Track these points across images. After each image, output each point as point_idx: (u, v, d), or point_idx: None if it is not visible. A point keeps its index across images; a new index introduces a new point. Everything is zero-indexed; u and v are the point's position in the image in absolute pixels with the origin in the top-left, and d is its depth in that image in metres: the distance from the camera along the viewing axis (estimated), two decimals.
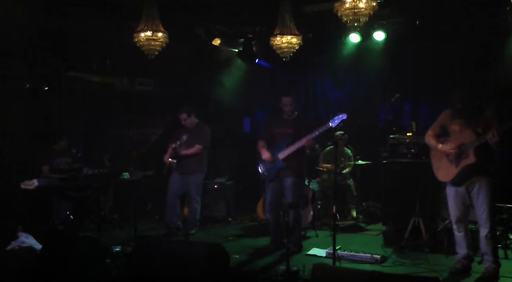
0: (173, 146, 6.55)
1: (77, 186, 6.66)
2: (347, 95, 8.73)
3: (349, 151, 7.55)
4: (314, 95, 9.19)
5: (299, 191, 5.77)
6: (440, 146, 4.71)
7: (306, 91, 9.18)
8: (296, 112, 5.86)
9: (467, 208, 4.70)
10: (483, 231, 4.56)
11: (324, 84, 9.06)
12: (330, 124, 5.26)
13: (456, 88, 4.72)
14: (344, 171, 7.42)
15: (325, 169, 7.47)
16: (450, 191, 4.74)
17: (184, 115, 6.69)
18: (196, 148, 6.57)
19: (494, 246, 4.57)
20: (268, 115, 6.30)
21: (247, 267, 5.13)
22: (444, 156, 4.69)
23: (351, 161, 7.44)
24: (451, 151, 4.58)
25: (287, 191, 5.68)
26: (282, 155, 5.65)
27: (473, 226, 5.12)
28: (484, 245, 4.57)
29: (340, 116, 5.22)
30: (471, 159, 4.47)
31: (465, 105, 4.61)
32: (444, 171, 4.71)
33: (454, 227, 4.77)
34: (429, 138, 4.85)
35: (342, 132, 7.22)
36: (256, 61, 8.68)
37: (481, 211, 4.54)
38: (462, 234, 4.74)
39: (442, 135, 4.79)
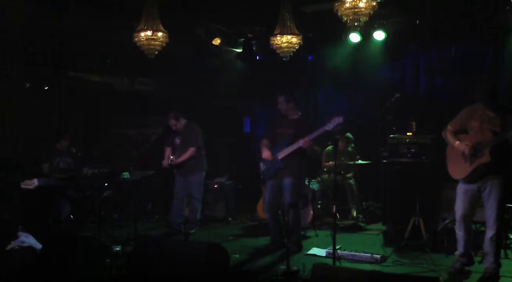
0: (169, 162, 6.57)
1: (77, 186, 6.65)
2: (346, 94, 8.73)
3: (350, 148, 7.54)
4: (314, 95, 9.19)
5: (297, 191, 5.76)
6: (457, 143, 4.63)
7: (306, 90, 9.18)
8: (299, 113, 5.86)
9: (473, 207, 4.66)
10: (489, 233, 4.52)
11: (324, 83, 9.05)
12: (326, 128, 5.24)
13: (480, 84, 4.61)
14: (348, 175, 7.43)
15: (325, 168, 7.47)
16: (460, 188, 4.68)
17: (172, 121, 6.74)
18: (190, 151, 6.63)
19: (497, 248, 4.54)
20: (271, 114, 6.28)
21: (247, 267, 5.14)
22: (460, 153, 4.64)
23: (354, 160, 7.41)
24: (466, 151, 4.52)
25: (285, 191, 5.68)
26: (280, 155, 5.66)
27: (474, 226, 5.12)
28: (487, 246, 4.55)
29: (337, 119, 5.15)
30: (486, 158, 4.42)
31: (487, 103, 4.53)
32: (458, 168, 4.65)
33: (456, 224, 4.75)
34: (447, 134, 4.77)
35: (350, 134, 7.22)
36: (257, 58, 8.69)
37: (490, 213, 4.50)
38: (462, 233, 4.71)
39: (462, 132, 4.71)
